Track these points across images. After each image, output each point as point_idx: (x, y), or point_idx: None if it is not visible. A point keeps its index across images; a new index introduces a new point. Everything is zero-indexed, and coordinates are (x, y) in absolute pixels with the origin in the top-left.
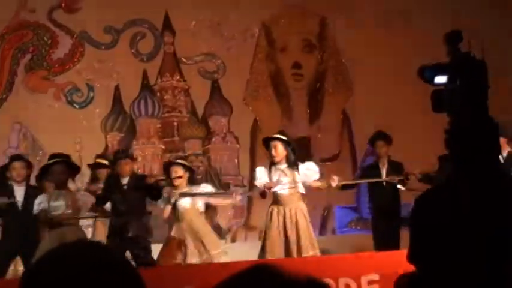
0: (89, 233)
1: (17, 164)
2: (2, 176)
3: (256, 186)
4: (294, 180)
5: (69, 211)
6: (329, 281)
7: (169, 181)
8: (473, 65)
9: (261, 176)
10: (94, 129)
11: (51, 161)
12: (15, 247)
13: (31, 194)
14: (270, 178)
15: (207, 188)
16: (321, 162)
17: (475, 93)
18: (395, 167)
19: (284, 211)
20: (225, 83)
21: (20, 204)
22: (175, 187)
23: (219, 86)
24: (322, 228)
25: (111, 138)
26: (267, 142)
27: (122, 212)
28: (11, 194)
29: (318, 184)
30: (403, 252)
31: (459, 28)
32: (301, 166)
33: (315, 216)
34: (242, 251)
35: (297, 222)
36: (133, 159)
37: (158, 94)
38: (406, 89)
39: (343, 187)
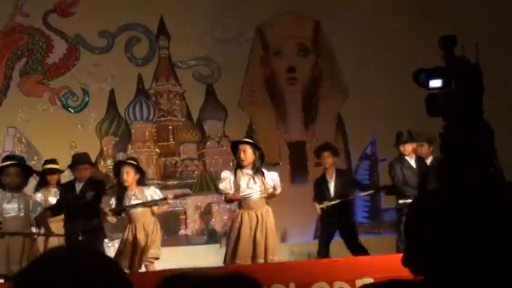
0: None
1: None
2: None
3: (219, 189)
4: (264, 185)
5: (22, 215)
6: (324, 284)
7: (118, 181)
8: (468, 69)
9: (226, 180)
10: (89, 134)
11: (6, 163)
12: None
13: None
14: (236, 182)
15: (155, 193)
16: (315, 166)
17: (469, 97)
18: (343, 176)
19: (256, 215)
20: (220, 87)
21: None
22: (125, 188)
23: (214, 90)
24: (316, 232)
25: (106, 143)
26: (235, 146)
27: (75, 217)
28: None
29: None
30: (397, 257)
31: (454, 32)
32: (266, 172)
33: (309, 220)
34: None
35: (266, 225)
36: (92, 164)
37: (153, 98)
38: (401, 93)
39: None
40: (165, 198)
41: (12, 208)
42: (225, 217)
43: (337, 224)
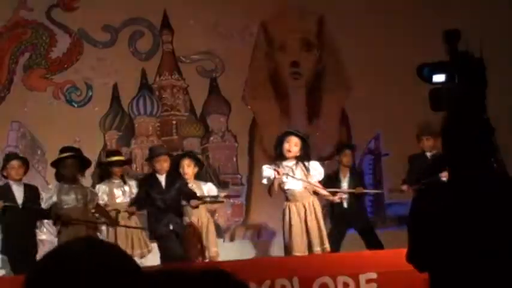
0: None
1: (15, 163)
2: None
3: (264, 183)
4: (306, 177)
5: (80, 205)
6: (327, 279)
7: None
8: (472, 64)
9: (269, 174)
10: (93, 128)
11: (64, 154)
12: (16, 246)
13: (29, 193)
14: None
15: (211, 190)
16: (319, 161)
17: (473, 92)
18: (357, 177)
19: (304, 205)
20: (223, 81)
21: (19, 203)
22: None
23: (217, 85)
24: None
25: (109, 137)
26: (284, 136)
27: (162, 210)
28: (9, 193)
29: (324, 192)
30: (401, 251)
31: (458, 27)
32: (307, 164)
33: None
34: (240, 250)
35: (316, 215)
36: (170, 156)
37: (157, 93)
38: (405, 87)
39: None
40: (217, 196)
41: (70, 199)
42: (229, 212)
43: (352, 222)
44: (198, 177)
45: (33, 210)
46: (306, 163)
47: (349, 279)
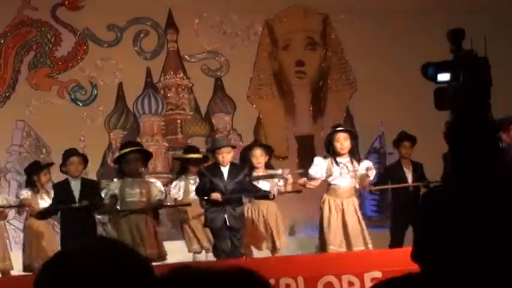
0: None
1: (75, 159)
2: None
3: (309, 173)
4: (356, 175)
5: (144, 199)
6: (332, 278)
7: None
8: (476, 63)
9: (318, 166)
10: (98, 127)
11: (127, 149)
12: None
13: (88, 187)
14: (330, 169)
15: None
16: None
17: (477, 91)
18: (419, 168)
19: (342, 203)
20: (228, 80)
21: (77, 198)
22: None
23: (222, 84)
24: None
25: (114, 136)
26: (332, 134)
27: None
28: (68, 189)
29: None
30: (406, 250)
31: (461, 26)
32: (361, 164)
33: (318, 213)
34: None
35: (357, 215)
36: (233, 147)
37: (162, 92)
38: (409, 86)
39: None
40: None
41: (134, 193)
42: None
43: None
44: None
45: (89, 206)
46: (361, 163)
47: (354, 278)
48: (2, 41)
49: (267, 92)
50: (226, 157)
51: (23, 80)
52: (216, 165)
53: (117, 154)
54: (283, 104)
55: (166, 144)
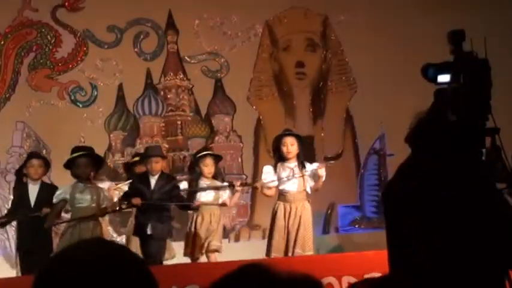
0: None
1: (34, 162)
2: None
3: (262, 182)
4: (304, 179)
5: (94, 205)
6: (332, 279)
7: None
8: (476, 64)
9: (270, 173)
10: (98, 128)
11: (76, 153)
12: (27, 245)
13: (45, 192)
14: (278, 176)
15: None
16: (324, 161)
17: (478, 92)
18: None
19: (290, 208)
20: (228, 82)
21: (32, 204)
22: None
23: (222, 85)
24: (325, 226)
25: (114, 137)
26: (279, 138)
27: (147, 211)
28: (25, 192)
29: (319, 184)
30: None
31: (461, 27)
32: (308, 165)
33: (318, 215)
34: (246, 250)
35: (300, 220)
36: (164, 157)
37: (161, 93)
38: (409, 88)
39: None
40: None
41: (85, 199)
42: (234, 212)
43: None
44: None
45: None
46: (307, 163)
47: (354, 280)
48: (2, 42)
49: (267, 93)
50: (155, 166)
51: (23, 81)
52: (146, 174)
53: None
54: (283, 105)
55: (166, 146)
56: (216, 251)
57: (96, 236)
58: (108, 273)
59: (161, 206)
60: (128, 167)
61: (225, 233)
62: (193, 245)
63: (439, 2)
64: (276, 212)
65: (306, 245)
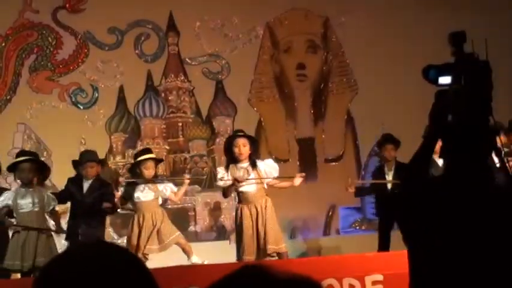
0: None
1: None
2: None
3: (219, 186)
4: (260, 177)
5: (36, 209)
6: (333, 281)
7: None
8: (478, 66)
9: (223, 176)
10: (98, 130)
11: (20, 158)
12: None
13: None
14: (233, 175)
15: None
16: (325, 162)
17: (479, 94)
18: (401, 168)
19: (256, 208)
20: (229, 83)
21: None
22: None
23: (223, 87)
24: (326, 228)
25: (115, 139)
26: (231, 140)
27: (78, 214)
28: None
29: (283, 184)
30: (406, 253)
31: (462, 28)
32: (260, 163)
33: (319, 217)
34: None
35: (265, 217)
36: (99, 162)
37: (162, 95)
38: (410, 89)
39: (358, 194)
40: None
41: (26, 203)
42: (234, 214)
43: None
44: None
45: None
46: (259, 162)
47: (355, 281)
48: (3, 44)
49: (268, 95)
50: (90, 171)
51: (24, 83)
52: (80, 178)
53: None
54: (284, 107)
55: (168, 147)
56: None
57: (49, 246)
58: (108, 275)
59: (93, 211)
60: (133, 168)
61: (226, 235)
62: (138, 245)
63: (440, 4)
64: (241, 214)
65: (278, 239)
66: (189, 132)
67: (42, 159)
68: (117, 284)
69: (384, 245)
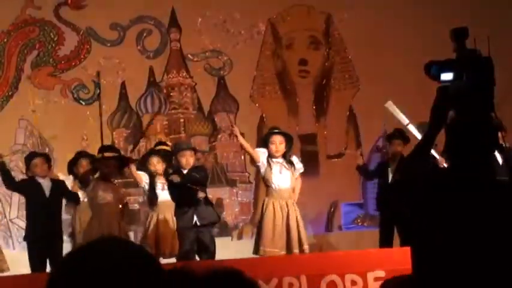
0: None
1: (37, 160)
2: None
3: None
4: (293, 175)
5: (114, 203)
6: (335, 277)
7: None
8: (480, 62)
9: (265, 153)
10: (100, 126)
11: (109, 154)
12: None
13: (56, 188)
14: (270, 167)
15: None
16: (327, 159)
17: (481, 90)
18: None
19: (287, 205)
20: (231, 79)
21: (47, 197)
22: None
23: (225, 83)
24: (328, 224)
25: (117, 135)
26: (268, 136)
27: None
28: (38, 188)
29: (297, 190)
30: (408, 249)
31: (465, 25)
32: (296, 162)
33: (321, 213)
34: (248, 248)
35: (297, 216)
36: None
37: (164, 91)
38: (412, 85)
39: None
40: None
41: (107, 196)
42: (237, 210)
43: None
44: None
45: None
46: (292, 159)
47: (357, 277)
48: (5, 40)
49: (270, 91)
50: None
51: (25, 79)
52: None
53: None
54: (286, 103)
55: (170, 143)
56: None
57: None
58: (122, 272)
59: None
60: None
61: (228, 231)
62: (160, 245)
63: (443, 1)
64: (272, 208)
65: (306, 240)
66: (191, 128)
67: None
68: (132, 281)
69: (385, 241)
